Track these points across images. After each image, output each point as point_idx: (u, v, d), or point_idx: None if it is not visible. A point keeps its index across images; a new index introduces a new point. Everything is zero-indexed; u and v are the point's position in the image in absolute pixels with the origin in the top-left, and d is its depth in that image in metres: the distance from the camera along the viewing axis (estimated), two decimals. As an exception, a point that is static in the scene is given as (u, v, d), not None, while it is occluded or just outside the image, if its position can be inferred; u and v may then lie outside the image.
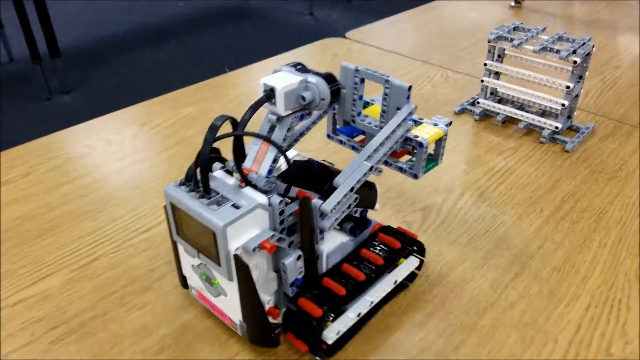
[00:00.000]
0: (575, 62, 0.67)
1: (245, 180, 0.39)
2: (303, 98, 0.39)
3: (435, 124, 0.46)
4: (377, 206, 0.49)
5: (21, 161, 0.73)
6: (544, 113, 0.77)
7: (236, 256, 0.37)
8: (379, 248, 0.47)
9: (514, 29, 0.76)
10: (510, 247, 0.55)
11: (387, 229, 0.49)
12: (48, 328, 0.48)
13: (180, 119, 0.83)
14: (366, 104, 0.49)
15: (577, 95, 0.73)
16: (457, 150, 0.73)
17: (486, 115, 0.81)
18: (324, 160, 0.48)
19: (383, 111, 0.44)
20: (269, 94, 0.38)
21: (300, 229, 0.41)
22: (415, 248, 0.49)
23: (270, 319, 0.42)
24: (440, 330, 0.46)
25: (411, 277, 0.51)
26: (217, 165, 0.43)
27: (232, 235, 0.37)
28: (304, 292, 0.43)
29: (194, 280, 0.46)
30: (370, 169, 0.41)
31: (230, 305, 0.42)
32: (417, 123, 0.46)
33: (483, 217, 0.60)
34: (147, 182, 0.68)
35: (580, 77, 0.71)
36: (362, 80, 0.45)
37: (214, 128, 0.38)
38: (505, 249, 0.55)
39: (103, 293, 0.51)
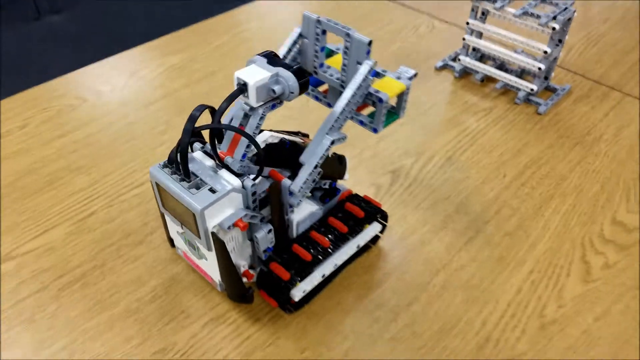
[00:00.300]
0: (554, 28, 0.69)
1: (222, 164, 0.44)
2: (274, 91, 0.42)
3: (399, 77, 0.46)
4: (346, 176, 0.54)
5: (16, 112, 0.77)
6: (522, 72, 0.79)
7: (213, 233, 0.42)
8: (344, 217, 0.52)
9: (498, -13, 0.76)
10: (469, 212, 0.61)
11: (353, 198, 0.54)
12: (55, 277, 0.54)
13: (166, 70, 0.85)
14: (331, 53, 0.50)
15: (555, 58, 0.75)
16: (433, 110, 0.76)
17: (466, 72, 0.83)
18: (299, 132, 0.52)
19: (344, 64, 0.45)
20: (242, 88, 0.42)
21: (270, 208, 0.46)
22: (378, 216, 0.54)
23: (245, 280, 0.48)
24: (396, 288, 0.53)
25: (375, 239, 0.56)
26: (197, 145, 0.47)
27: (210, 216, 0.42)
28: (276, 256, 0.49)
29: (179, 242, 0.52)
30: (332, 142, 0.44)
31: (211, 267, 0.48)
32: (379, 75, 0.47)
33: (448, 181, 0.64)
34: (136, 136, 0.72)
35: (560, 41, 0.73)
36: (324, 32, 0.45)
37: (193, 118, 0.42)
38: (464, 213, 0.60)
39: (101, 246, 0.57)
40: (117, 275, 0.54)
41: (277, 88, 0.42)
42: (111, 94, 0.80)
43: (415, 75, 0.47)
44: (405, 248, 0.57)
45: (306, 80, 0.43)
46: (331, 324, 0.50)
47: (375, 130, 0.46)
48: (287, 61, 0.48)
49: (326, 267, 0.51)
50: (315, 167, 0.44)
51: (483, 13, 0.77)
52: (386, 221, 0.56)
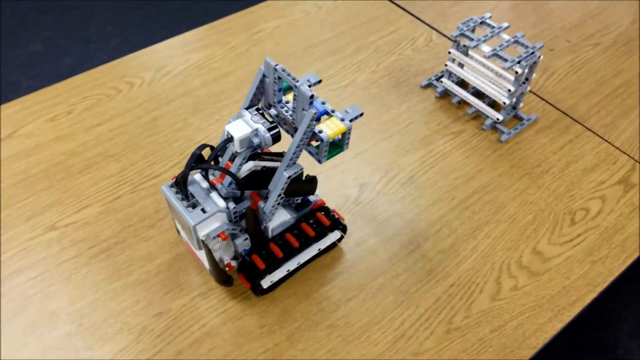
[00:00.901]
0: (517, 72, 0.79)
1: (213, 189, 0.59)
2: (252, 142, 0.56)
3: (342, 119, 0.55)
4: (316, 192, 0.68)
5: (64, 98, 0.92)
6: (494, 101, 0.90)
7: (202, 241, 0.58)
8: (313, 223, 0.67)
9: (481, 23, 0.85)
10: (414, 228, 0.74)
11: (323, 209, 0.68)
12: (88, 247, 0.72)
13: (188, 68, 0.98)
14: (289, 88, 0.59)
15: (522, 93, 0.85)
16: (410, 128, 0.88)
17: (446, 93, 0.93)
18: (283, 152, 0.65)
19: (294, 107, 0.56)
20: (230, 138, 0.56)
21: (246, 226, 0.61)
22: (340, 227, 0.69)
23: (227, 270, 0.64)
24: (341, 286, 0.68)
25: (334, 245, 0.71)
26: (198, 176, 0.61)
27: (200, 228, 0.57)
28: (256, 250, 0.64)
29: (183, 234, 0.68)
30: (289, 177, 0.57)
31: (203, 257, 0.64)
32: (329, 114, 0.56)
33: (405, 198, 0.78)
34: (158, 131, 0.87)
35: (527, 79, 0.83)
36: (280, 78, 0.54)
37: (194, 155, 0.57)
38: (410, 228, 0.74)
39: (123, 225, 0.74)
40: (133, 250, 0.71)
41: (255, 140, 0.56)
42: (140, 88, 0.94)
43: (361, 114, 0.57)
44: (357, 254, 0.71)
45: (277, 133, 0.56)
46: (287, 308, 0.66)
47: (319, 161, 0.58)
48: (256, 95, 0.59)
49: (291, 264, 0.66)
50: (279, 195, 0.59)
51: (464, 45, 0.86)
52: (345, 232, 0.70)
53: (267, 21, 1.10)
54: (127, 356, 0.61)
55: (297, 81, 0.54)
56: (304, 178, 0.63)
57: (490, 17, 0.86)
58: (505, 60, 0.79)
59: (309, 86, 0.57)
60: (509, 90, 0.81)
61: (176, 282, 0.68)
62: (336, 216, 0.68)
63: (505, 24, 0.84)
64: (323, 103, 0.57)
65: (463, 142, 0.86)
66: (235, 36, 1.06)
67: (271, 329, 0.64)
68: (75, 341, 0.63)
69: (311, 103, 0.54)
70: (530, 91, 0.95)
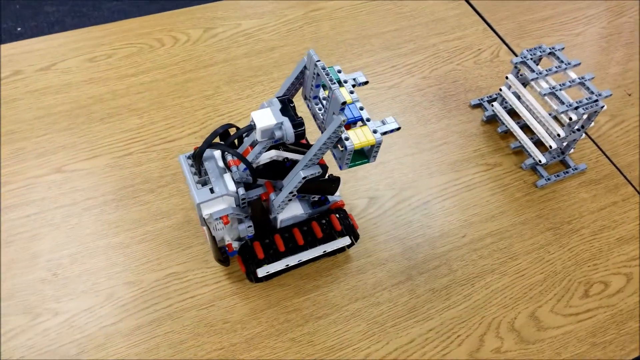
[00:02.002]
0: (570, 118, 0.70)
1: (229, 170, 0.56)
2: (274, 134, 0.53)
3: (375, 131, 0.52)
4: (337, 193, 0.64)
5: (109, 40, 0.93)
6: (541, 141, 0.81)
7: (205, 219, 0.56)
8: (325, 224, 0.63)
9: (549, 53, 0.76)
10: (411, 258, 0.69)
11: (339, 211, 0.65)
12: (85, 197, 0.72)
13: (236, 34, 0.95)
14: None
15: (575, 140, 0.77)
16: (442, 149, 0.82)
17: (494, 119, 0.86)
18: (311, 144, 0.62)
19: (326, 108, 0.54)
20: (253, 126, 0.53)
21: (252, 215, 0.59)
22: (351, 234, 0.65)
23: (227, 250, 0.63)
24: (317, 301, 0.65)
25: (343, 250, 0.68)
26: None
27: (205, 207, 0.55)
28: (260, 238, 0.62)
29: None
30: (304, 178, 0.54)
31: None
32: (363, 122, 0.53)
33: (412, 224, 0.73)
34: (187, 94, 0.85)
35: (582, 127, 0.74)
36: (319, 74, 0.52)
37: (214, 133, 0.55)
38: (407, 258, 0.69)
39: (124, 184, 0.74)
40: (126, 211, 0.71)
41: (277, 134, 0.53)
42: (183, 46, 0.93)
43: (398, 129, 0.54)
44: (344, 271, 0.68)
45: (302, 132, 0.53)
46: (258, 308, 0.64)
47: (340, 167, 0.55)
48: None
49: (292, 260, 0.63)
50: (290, 192, 0.56)
51: (523, 74, 0.78)
52: (356, 241, 0.66)
53: (329, 0, 1.04)
54: (88, 319, 0.62)
55: (334, 83, 0.50)
56: (327, 176, 0.60)
57: (563, 48, 0.77)
58: (562, 103, 0.70)
59: (353, 85, 0.55)
60: (558, 135, 0.73)
61: (156, 254, 0.68)
62: (350, 222, 0.65)
63: (575, 61, 0.75)
64: (361, 109, 0.53)
65: (495, 177, 0.79)
66: (292, 9, 1.01)
67: (233, 327, 0.62)
68: (45, 289, 0.64)
69: (342, 110, 0.50)
70: (588, 136, 0.85)
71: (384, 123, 0.54)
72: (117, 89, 0.85)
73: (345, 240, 0.65)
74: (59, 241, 0.68)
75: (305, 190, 0.59)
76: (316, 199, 0.64)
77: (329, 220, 0.63)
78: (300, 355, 0.61)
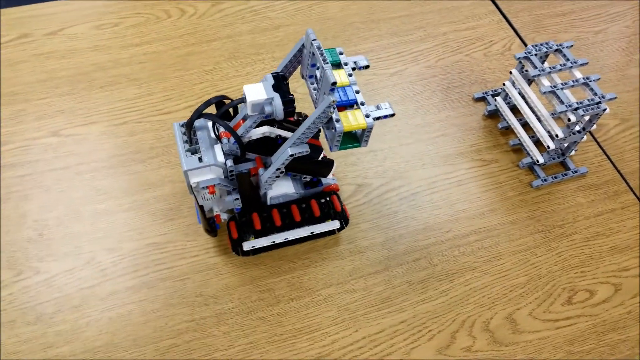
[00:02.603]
0: (569, 119, 0.68)
1: (219, 141, 0.57)
2: (264, 109, 0.53)
3: (367, 115, 0.51)
4: (330, 176, 0.64)
5: (119, 8, 0.93)
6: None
7: (192, 187, 0.57)
8: (324, 204, 0.64)
9: (556, 50, 0.74)
10: (392, 249, 0.69)
11: (338, 196, 0.65)
12: (77, 162, 0.74)
13: (243, 10, 0.95)
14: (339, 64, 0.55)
15: (575, 142, 0.74)
16: (438, 141, 0.80)
17: (496, 114, 0.83)
18: (303, 113, 0.63)
19: (318, 87, 0.54)
20: (244, 99, 0.53)
21: (239, 188, 0.59)
22: (343, 219, 0.66)
23: (216, 221, 0.63)
24: (291, 282, 0.65)
25: (328, 233, 0.68)
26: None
27: (192, 175, 0.56)
28: (258, 210, 0.62)
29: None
30: (291, 155, 0.55)
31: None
32: (357, 105, 0.52)
33: (397, 214, 0.72)
34: (187, 67, 0.85)
35: (584, 129, 0.72)
36: (314, 53, 0.52)
37: (207, 103, 0.55)
38: (387, 248, 0.69)
39: (117, 152, 0.75)
40: (114, 180, 0.72)
41: (267, 109, 0.53)
42: (189, 19, 0.93)
43: (392, 115, 0.54)
44: (323, 256, 0.67)
45: (292, 110, 0.53)
46: (232, 284, 0.64)
47: (331, 149, 0.55)
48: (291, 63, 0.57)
49: (279, 237, 0.64)
50: (278, 169, 0.56)
51: (527, 70, 0.76)
52: (345, 225, 0.66)
53: (343, -18, 1.02)
54: (67, 280, 0.63)
55: (327, 63, 0.50)
56: (320, 158, 0.60)
57: (571, 46, 0.74)
58: (561, 102, 0.68)
59: (353, 69, 0.55)
60: (557, 136, 0.71)
61: (139, 224, 0.69)
62: (344, 209, 0.66)
63: (582, 60, 0.72)
64: (357, 92, 0.53)
65: (489, 174, 0.77)
66: (304, -12, 1.00)
67: (206, 300, 0.63)
68: (30, 248, 0.65)
69: (332, 90, 0.50)
70: (593, 138, 0.82)
71: (378, 108, 0.54)
72: (119, 58, 0.86)
73: (335, 224, 0.65)
74: (48, 203, 0.69)
75: (297, 169, 0.59)
76: (308, 179, 0.64)
77: (329, 202, 0.64)
78: (267, 334, 0.61)
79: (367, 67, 0.56)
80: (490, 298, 0.66)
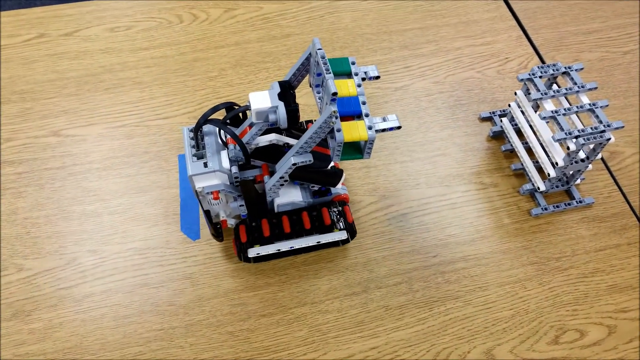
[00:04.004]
0: (568, 147, 0.64)
1: (226, 147, 0.57)
2: (269, 118, 0.53)
3: (370, 127, 0.51)
4: (339, 185, 0.63)
5: (134, 11, 0.95)
6: (548, 165, 0.75)
7: (197, 192, 0.57)
8: (336, 214, 0.63)
9: (564, 73, 0.70)
10: (373, 271, 0.67)
11: (344, 205, 0.65)
12: (72, 163, 0.75)
13: (255, 17, 0.95)
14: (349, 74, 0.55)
15: (579, 171, 0.70)
16: (436, 160, 0.77)
17: (501, 136, 0.80)
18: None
19: (320, 98, 0.55)
20: (249, 107, 0.54)
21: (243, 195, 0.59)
22: (352, 230, 0.64)
23: (222, 226, 0.64)
24: (264, 298, 0.64)
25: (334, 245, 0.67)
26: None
27: (197, 180, 0.56)
28: (268, 216, 0.63)
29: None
30: (294, 164, 0.54)
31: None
32: (361, 117, 0.52)
33: (383, 235, 0.70)
34: (191, 73, 0.86)
35: (587, 159, 0.67)
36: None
37: (214, 108, 0.56)
38: (368, 270, 0.67)
39: (111, 155, 0.76)
40: (105, 182, 0.73)
41: (271, 117, 0.53)
42: (200, 24, 0.93)
43: (398, 127, 0.53)
44: (300, 272, 0.66)
45: (295, 119, 0.53)
46: (206, 296, 0.64)
47: (332, 158, 0.54)
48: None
49: (284, 245, 0.63)
50: (282, 177, 0.56)
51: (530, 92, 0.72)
52: (353, 237, 0.65)
53: (359, -9, 1.01)
54: (47, 279, 0.65)
55: (329, 72, 0.51)
56: (329, 168, 0.60)
57: (581, 69, 0.70)
58: (562, 129, 0.64)
59: (363, 79, 0.55)
60: (556, 163, 0.67)
61: (123, 227, 0.69)
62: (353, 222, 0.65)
63: (592, 85, 0.68)
64: (364, 103, 0.53)
65: (486, 198, 0.74)
66: (317, -4, 0.99)
67: (177, 310, 0.63)
68: (16, 244, 0.67)
69: (333, 100, 0.50)
70: (606, 167, 0.77)
71: (384, 120, 0.53)
72: (127, 61, 0.88)
73: (343, 235, 0.64)
74: (39, 201, 0.71)
75: (304, 178, 0.59)
76: (316, 188, 0.63)
77: (342, 212, 0.63)
78: (233, 350, 0.61)
79: (377, 77, 0.56)
80: (470, 330, 0.63)
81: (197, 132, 0.56)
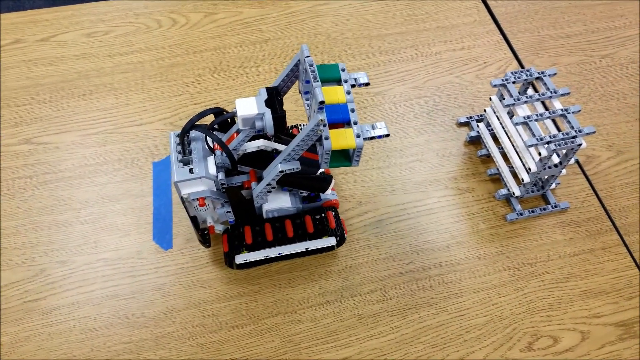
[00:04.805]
0: (539, 153, 0.64)
1: (213, 153, 0.57)
2: (255, 124, 0.53)
3: (358, 135, 0.51)
4: (328, 191, 0.63)
5: (112, 16, 0.94)
6: (524, 171, 0.74)
7: (183, 198, 0.57)
8: (319, 220, 0.63)
9: (537, 78, 0.69)
10: (347, 279, 0.66)
11: (335, 212, 0.64)
12: (44, 171, 0.74)
13: (235, 22, 0.94)
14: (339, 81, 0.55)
15: (553, 176, 0.70)
16: (413, 166, 0.77)
17: (478, 141, 0.79)
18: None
19: (309, 105, 0.55)
20: (235, 113, 0.54)
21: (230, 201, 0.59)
22: (339, 237, 0.64)
23: (209, 232, 0.63)
24: (236, 309, 0.63)
25: (324, 250, 0.66)
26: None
27: (182, 186, 0.56)
28: (252, 223, 0.62)
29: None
30: (282, 171, 0.54)
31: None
32: (349, 124, 0.52)
33: (359, 241, 0.69)
34: (168, 79, 0.85)
35: (561, 164, 0.67)
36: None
37: (201, 113, 0.55)
38: (342, 278, 0.66)
39: (84, 163, 0.75)
40: (77, 191, 0.72)
41: (258, 124, 0.53)
42: (179, 29, 0.92)
43: (386, 135, 0.53)
44: (274, 282, 0.66)
45: (282, 126, 0.53)
46: (177, 307, 0.63)
47: (320, 165, 0.54)
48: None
49: (272, 251, 0.62)
50: (269, 184, 0.56)
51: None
52: (342, 243, 0.65)
53: (339, -4, 1.00)
54: (14, 292, 0.64)
55: (317, 80, 0.51)
56: (319, 173, 0.60)
57: (555, 74, 0.69)
58: (533, 135, 0.64)
59: (353, 86, 0.55)
60: (529, 169, 0.66)
61: (94, 237, 0.68)
62: (340, 223, 0.65)
63: (564, 90, 0.68)
64: (353, 110, 0.52)
65: (462, 204, 0.73)
66: (300, 1, 0.98)
67: (147, 322, 0.62)
68: (-16, 256, 0.66)
69: (321, 108, 0.50)
70: (582, 171, 0.77)
71: (373, 128, 0.53)
72: (104, 67, 0.87)
73: (331, 241, 0.63)
74: (10, 211, 0.70)
75: (292, 184, 0.59)
76: (305, 194, 0.63)
77: (325, 218, 0.63)
78: (204, 361, 0.60)
79: (367, 84, 0.56)
80: (443, 338, 0.62)
81: (183, 137, 0.56)
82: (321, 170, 0.60)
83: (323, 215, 0.63)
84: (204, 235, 0.63)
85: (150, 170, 0.74)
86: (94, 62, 0.87)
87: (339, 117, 0.52)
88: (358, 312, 0.64)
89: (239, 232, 0.62)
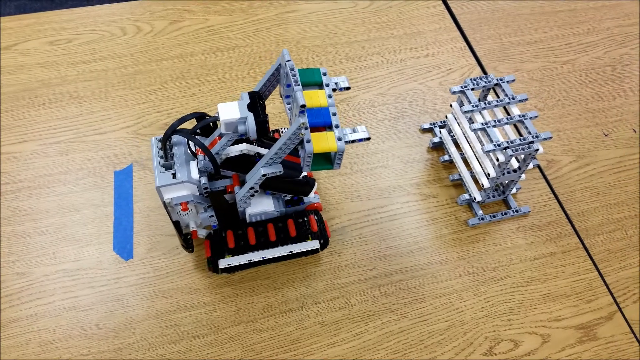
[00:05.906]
0: (497, 159, 0.65)
1: (195, 158, 0.57)
2: (238, 129, 0.53)
3: (339, 138, 0.51)
4: (311, 194, 0.63)
5: (76, 24, 0.93)
6: (485, 176, 0.75)
7: (165, 203, 0.56)
8: (301, 224, 0.63)
9: (495, 85, 0.71)
10: (310, 286, 0.66)
11: (318, 215, 0.64)
12: (5, 182, 0.73)
13: (201, 29, 0.94)
14: (320, 85, 0.55)
15: (513, 181, 0.71)
16: (376, 172, 0.77)
17: (441, 147, 0.80)
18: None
19: (290, 109, 0.55)
20: (217, 117, 0.54)
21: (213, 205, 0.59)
22: (322, 240, 0.64)
23: (192, 237, 0.63)
24: (198, 318, 0.63)
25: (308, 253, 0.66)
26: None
27: (165, 191, 0.56)
28: (234, 228, 0.62)
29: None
30: (264, 175, 0.54)
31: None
32: (331, 128, 0.52)
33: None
34: (132, 87, 0.85)
35: (519, 169, 0.68)
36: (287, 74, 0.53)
37: (182, 119, 0.55)
38: (306, 285, 0.66)
39: (45, 172, 0.74)
40: (38, 201, 0.71)
41: (240, 128, 0.53)
42: (144, 37, 0.92)
43: (367, 139, 0.54)
44: (236, 290, 0.65)
45: (265, 130, 0.53)
46: (137, 318, 0.63)
47: (302, 168, 0.54)
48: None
49: (256, 255, 0.62)
50: (252, 188, 0.56)
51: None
52: (324, 247, 0.65)
53: (308, 2, 1.01)
54: (-31, 303, 0.62)
55: (297, 84, 0.51)
56: (301, 177, 0.60)
57: (513, 80, 0.71)
58: (491, 141, 0.65)
59: (334, 90, 0.55)
60: (488, 175, 0.67)
61: (53, 248, 0.67)
62: (323, 226, 0.65)
63: (522, 96, 0.69)
64: (334, 114, 0.53)
65: (425, 209, 0.74)
66: (266, 9, 0.99)
67: (106, 334, 0.61)
68: (-62, 269, 0.65)
69: (302, 112, 0.50)
70: (543, 175, 0.79)
71: (354, 131, 0.54)
72: (66, 75, 0.86)
73: (314, 244, 0.63)
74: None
75: (275, 188, 0.59)
76: (288, 197, 0.63)
77: (307, 221, 0.63)
78: (164, 372, 0.59)
79: (348, 88, 0.57)
80: (405, 344, 0.63)
81: (165, 142, 0.56)
82: (304, 173, 0.60)
83: (306, 218, 0.63)
84: (187, 240, 0.63)
85: (111, 180, 0.74)
86: (56, 70, 0.86)
87: (321, 121, 0.52)
88: (321, 319, 0.64)
89: (222, 237, 0.62)
